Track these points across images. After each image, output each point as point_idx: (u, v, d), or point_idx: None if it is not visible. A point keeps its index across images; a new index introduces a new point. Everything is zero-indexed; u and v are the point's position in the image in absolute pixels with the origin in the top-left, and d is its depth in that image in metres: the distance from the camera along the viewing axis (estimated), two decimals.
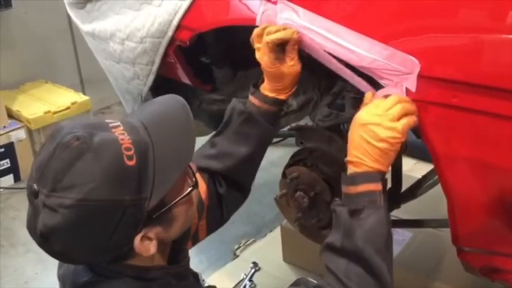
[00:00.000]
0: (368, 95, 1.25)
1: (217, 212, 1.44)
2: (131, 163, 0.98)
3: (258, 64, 1.77)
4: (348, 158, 1.19)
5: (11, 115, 3.70)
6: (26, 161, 3.68)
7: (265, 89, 1.40)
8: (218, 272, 2.43)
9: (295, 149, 1.70)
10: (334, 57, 1.31)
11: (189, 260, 1.26)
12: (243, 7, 1.49)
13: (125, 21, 1.74)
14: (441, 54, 1.18)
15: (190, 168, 1.12)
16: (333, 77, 1.59)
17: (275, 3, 1.38)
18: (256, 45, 1.38)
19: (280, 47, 1.35)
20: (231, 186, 1.45)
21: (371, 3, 1.30)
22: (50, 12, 4.00)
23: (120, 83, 2.00)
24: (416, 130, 1.28)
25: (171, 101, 1.13)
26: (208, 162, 1.40)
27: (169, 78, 1.86)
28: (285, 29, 1.33)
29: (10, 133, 3.60)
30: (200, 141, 1.38)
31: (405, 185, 1.69)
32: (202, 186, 1.36)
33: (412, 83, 1.20)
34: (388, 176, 1.59)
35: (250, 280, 2.37)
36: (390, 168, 1.62)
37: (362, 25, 1.27)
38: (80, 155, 0.96)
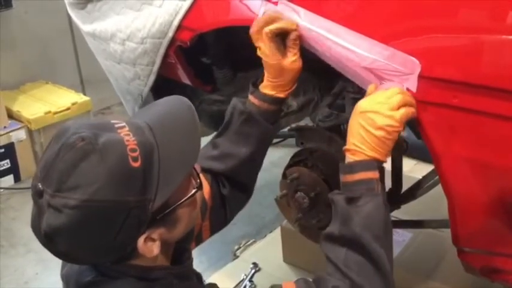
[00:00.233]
0: (371, 86, 1.26)
1: (221, 212, 1.44)
2: (136, 164, 0.98)
3: (258, 65, 1.78)
4: (346, 147, 1.20)
5: (11, 115, 3.70)
6: (26, 162, 3.69)
7: (265, 87, 1.40)
8: (218, 273, 2.43)
9: (296, 149, 1.70)
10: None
11: (192, 261, 1.26)
12: (244, 7, 1.49)
13: (125, 22, 1.74)
14: (442, 54, 1.18)
15: (195, 169, 1.12)
16: (333, 77, 1.60)
17: (276, 3, 1.38)
18: (256, 41, 1.37)
19: (280, 40, 1.36)
20: (234, 187, 1.44)
21: (371, 4, 1.30)
22: (50, 13, 4.00)
23: (121, 84, 2.00)
24: (416, 130, 1.28)
25: (176, 102, 1.13)
26: (210, 163, 1.40)
27: (169, 78, 1.86)
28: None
29: (10, 133, 3.60)
30: (202, 141, 1.37)
31: (405, 186, 1.69)
32: (206, 187, 1.36)
33: (412, 84, 1.20)
34: (388, 177, 1.61)
35: (250, 281, 2.37)
36: (390, 169, 1.63)
37: (363, 25, 1.27)
38: (85, 155, 0.96)
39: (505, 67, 1.12)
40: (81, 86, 4.42)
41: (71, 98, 3.89)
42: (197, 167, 1.14)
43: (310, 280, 1.13)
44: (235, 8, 1.52)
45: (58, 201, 0.95)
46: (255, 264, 2.44)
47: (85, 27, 1.96)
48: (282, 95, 1.40)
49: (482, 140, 1.18)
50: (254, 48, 1.73)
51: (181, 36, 1.63)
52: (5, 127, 3.60)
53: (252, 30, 1.36)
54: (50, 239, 0.99)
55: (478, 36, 1.15)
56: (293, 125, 1.82)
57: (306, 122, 1.90)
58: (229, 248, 2.67)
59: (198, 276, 1.29)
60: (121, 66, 1.86)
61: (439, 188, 1.32)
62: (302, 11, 1.34)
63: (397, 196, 1.66)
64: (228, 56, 1.78)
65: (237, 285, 2.36)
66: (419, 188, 1.67)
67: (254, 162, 1.46)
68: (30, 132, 3.68)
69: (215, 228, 1.45)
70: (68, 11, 2.05)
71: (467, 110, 1.16)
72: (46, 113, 3.68)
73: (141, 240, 1.02)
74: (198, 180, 1.12)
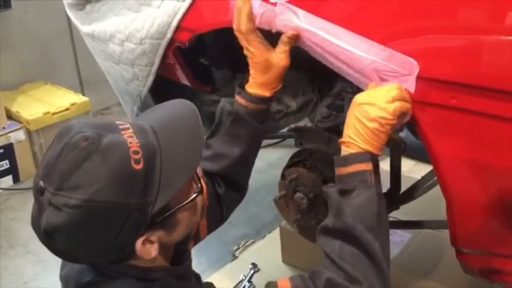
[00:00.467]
0: (372, 84, 1.26)
1: (217, 211, 1.45)
2: (138, 167, 0.98)
3: None
4: (342, 139, 1.21)
5: (10, 116, 3.70)
6: (25, 162, 3.69)
7: (250, 86, 1.39)
8: (217, 273, 2.43)
9: (295, 150, 1.70)
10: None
11: (191, 261, 1.27)
12: None
13: (124, 23, 1.74)
14: (440, 55, 1.18)
15: (196, 173, 1.12)
16: (332, 78, 1.60)
17: (274, 4, 1.38)
18: (241, 39, 1.37)
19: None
20: (228, 186, 1.45)
21: (370, 5, 1.30)
22: (49, 13, 4.00)
23: (120, 84, 2.00)
24: (415, 131, 1.28)
25: (182, 106, 1.14)
26: (204, 164, 1.40)
27: (168, 79, 1.86)
28: None
29: (9, 134, 3.60)
30: None
31: (404, 186, 1.69)
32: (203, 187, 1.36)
33: (411, 84, 1.20)
34: (387, 177, 1.61)
35: (249, 281, 2.37)
36: (389, 169, 1.63)
37: (361, 26, 1.27)
38: (87, 156, 0.96)
39: (504, 68, 1.12)
40: (80, 87, 4.42)
41: (70, 98, 3.90)
42: (199, 171, 1.14)
43: (306, 275, 1.13)
44: (234, 9, 1.52)
45: (59, 199, 0.95)
46: (254, 265, 2.44)
47: (84, 28, 1.96)
48: (267, 94, 1.39)
49: (481, 140, 1.18)
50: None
51: (180, 37, 1.63)
52: (3, 128, 3.60)
53: (236, 28, 1.37)
54: (49, 237, 0.99)
55: (477, 37, 1.15)
56: (292, 126, 1.82)
57: (305, 122, 1.90)
58: (228, 248, 2.67)
59: (197, 277, 1.29)
60: (120, 67, 1.86)
61: (438, 189, 1.32)
62: (301, 12, 1.34)
63: (395, 197, 1.66)
64: (226, 57, 1.78)
65: (236, 285, 2.36)
66: (418, 188, 1.67)
67: (246, 161, 1.47)
68: (29, 133, 3.68)
69: (212, 227, 1.45)
70: (67, 12, 2.05)
71: (466, 111, 1.16)
72: (45, 114, 3.69)
73: (139, 242, 1.02)
74: (199, 185, 1.12)
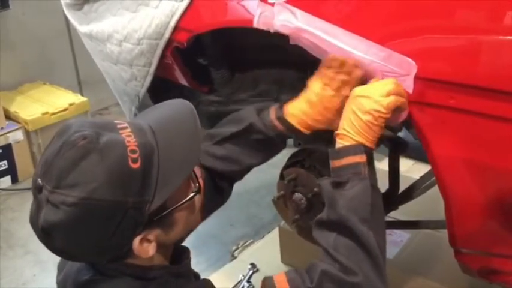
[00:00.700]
0: (373, 81, 1.26)
1: (212, 203, 1.43)
2: (136, 166, 0.99)
3: (255, 66, 1.78)
4: (337, 131, 1.21)
5: (8, 116, 3.70)
6: (24, 163, 3.68)
7: (294, 117, 1.33)
8: (216, 273, 2.43)
9: (293, 150, 1.69)
10: None
11: (190, 260, 1.27)
12: (241, 9, 1.48)
13: (122, 23, 1.74)
14: (438, 55, 1.18)
15: (195, 173, 1.12)
16: None
17: (272, 4, 1.38)
18: (330, 75, 1.29)
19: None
20: (229, 183, 1.46)
21: (368, 5, 1.30)
22: (47, 14, 4.00)
23: (118, 85, 2.00)
24: (413, 131, 1.28)
25: (180, 105, 1.14)
26: (214, 162, 1.39)
27: (166, 79, 1.86)
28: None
29: (8, 134, 3.60)
30: None
31: (403, 186, 1.68)
32: (200, 183, 1.35)
33: (409, 85, 1.20)
34: (386, 177, 1.61)
35: (248, 281, 2.37)
36: (388, 169, 1.63)
37: (359, 26, 1.27)
38: (85, 154, 0.97)
39: (502, 68, 1.12)
40: (79, 87, 4.42)
41: (68, 98, 3.89)
42: (197, 170, 1.14)
43: (301, 269, 1.13)
44: (232, 9, 1.52)
45: (56, 197, 0.96)
46: (253, 265, 2.44)
47: (82, 28, 1.96)
48: (308, 131, 1.34)
49: (479, 141, 1.18)
50: (251, 49, 1.74)
51: (178, 37, 1.63)
52: (2, 128, 3.60)
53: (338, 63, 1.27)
54: (47, 234, 1.00)
55: (475, 37, 1.15)
56: None
57: None
58: (227, 248, 2.67)
59: (196, 276, 1.29)
60: (118, 67, 1.86)
61: (436, 189, 1.32)
62: (298, 12, 1.33)
63: (394, 196, 1.65)
64: (225, 57, 1.78)
65: (235, 285, 2.36)
66: (416, 188, 1.67)
67: (250, 171, 1.47)
68: (27, 133, 3.68)
69: (206, 217, 1.43)
70: (65, 12, 2.04)
71: (464, 111, 1.16)
72: (43, 114, 3.68)
73: (136, 241, 1.03)
74: (197, 184, 1.12)
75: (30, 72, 4.13)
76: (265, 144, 1.38)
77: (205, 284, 1.17)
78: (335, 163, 1.19)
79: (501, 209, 1.23)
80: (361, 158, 1.16)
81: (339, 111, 1.27)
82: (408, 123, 1.33)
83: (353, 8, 1.34)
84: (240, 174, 1.46)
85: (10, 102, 3.81)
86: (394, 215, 1.72)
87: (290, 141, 1.68)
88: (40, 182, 0.99)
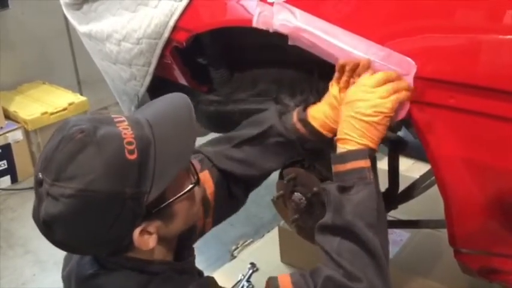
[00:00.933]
0: (364, 75, 1.25)
1: (224, 209, 1.44)
2: (132, 157, 1.00)
3: (254, 65, 1.78)
4: (337, 136, 1.20)
5: (8, 116, 3.70)
6: (23, 162, 3.68)
7: (316, 120, 1.33)
8: (216, 273, 2.43)
9: None
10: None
11: (194, 258, 1.28)
12: (240, 8, 1.48)
13: (121, 22, 1.74)
14: (438, 55, 1.18)
15: (194, 167, 1.14)
16: (330, 77, 1.60)
17: (271, 4, 1.38)
18: (344, 79, 1.28)
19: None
20: (244, 190, 1.45)
21: (368, 4, 1.30)
22: (47, 13, 3.99)
23: (117, 84, 2.00)
24: (413, 130, 1.28)
25: (176, 98, 1.15)
26: (232, 165, 1.38)
27: (166, 79, 1.86)
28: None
29: (7, 134, 3.60)
30: (199, 140, 1.36)
31: (402, 185, 1.68)
32: (210, 187, 1.36)
33: (409, 84, 1.20)
34: (386, 176, 1.61)
35: (248, 281, 2.37)
36: (387, 168, 1.63)
37: (359, 26, 1.27)
38: (82, 147, 0.99)
39: (502, 67, 1.12)
40: (78, 87, 4.41)
41: (68, 98, 3.90)
42: (197, 165, 1.16)
43: (305, 273, 1.13)
44: (231, 9, 1.52)
45: (56, 190, 0.98)
46: (252, 265, 2.44)
47: (81, 28, 1.96)
48: (330, 135, 1.33)
49: (479, 140, 1.18)
50: (250, 49, 1.74)
51: (177, 36, 1.63)
52: (1, 128, 3.60)
53: (351, 66, 1.25)
54: (47, 227, 1.02)
55: (475, 36, 1.15)
56: None
57: None
58: (227, 248, 2.67)
59: (200, 274, 1.31)
60: (117, 66, 1.86)
61: (436, 188, 1.32)
62: (298, 11, 1.33)
63: (394, 196, 1.65)
64: (224, 57, 1.78)
65: (234, 285, 2.36)
66: (416, 187, 1.67)
67: (269, 175, 1.46)
68: (26, 133, 3.68)
69: (217, 223, 1.45)
70: (64, 12, 2.04)
71: (464, 111, 1.16)
72: (43, 114, 3.68)
73: (136, 233, 1.04)
74: (196, 177, 1.13)
75: (30, 72, 4.13)
76: (285, 147, 1.37)
77: (209, 281, 1.17)
78: (339, 168, 1.18)
79: (501, 208, 1.23)
80: (366, 163, 1.16)
81: None
82: (408, 123, 1.33)
83: (352, 7, 1.33)
84: (256, 181, 1.45)
85: (9, 102, 3.81)
86: (394, 214, 1.72)
87: None
88: (40, 176, 1.01)
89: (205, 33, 1.62)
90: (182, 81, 1.83)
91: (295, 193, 1.65)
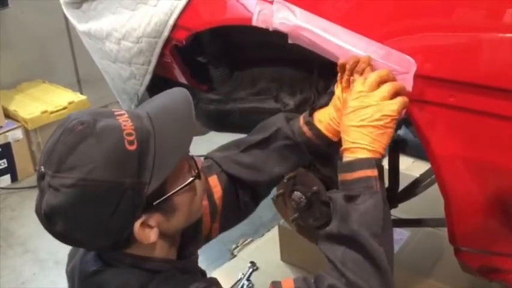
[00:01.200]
0: (360, 79, 1.24)
1: (234, 216, 1.43)
2: (132, 148, 1.01)
3: (254, 64, 1.78)
4: (344, 146, 1.19)
5: (7, 115, 3.70)
6: (23, 161, 3.68)
7: (322, 123, 1.33)
8: (216, 272, 2.43)
9: None
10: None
11: (197, 258, 1.29)
12: (240, 6, 1.48)
13: (121, 21, 1.73)
14: (438, 53, 1.18)
15: (195, 161, 1.14)
16: (329, 76, 1.60)
17: (271, 2, 1.38)
18: (345, 77, 1.27)
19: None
20: (251, 196, 1.43)
21: (367, 3, 1.29)
22: (46, 12, 3.99)
23: (117, 83, 2.00)
24: (413, 129, 1.28)
25: (176, 93, 1.16)
26: (240, 170, 1.37)
27: (165, 78, 1.86)
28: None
29: (7, 133, 3.60)
30: (199, 140, 1.36)
31: (403, 184, 1.68)
32: (218, 192, 1.36)
33: (408, 83, 1.20)
34: (386, 175, 1.60)
35: (248, 280, 2.38)
36: (387, 167, 1.63)
37: (358, 24, 1.27)
38: (83, 138, 1.00)
39: (502, 66, 1.11)
40: (78, 85, 4.41)
41: (67, 97, 3.90)
42: (199, 161, 1.15)
43: (309, 278, 1.12)
44: (231, 7, 1.52)
45: (57, 181, 0.99)
46: (252, 263, 2.44)
47: (80, 27, 1.96)
48: (335, 139, 1.33)
49: (479, 139, 1.18)
50: (250, 47, 1.74)
51: (177, 35, 1.63)
52: (1, 127, 3.60)
53: (351, 64, 1.25)
54: (48, 219, 1.02)
55: (475, 35, 1.15)
56: None
57: None
58: (226, 247, 2.67)
59: (203, 274, 1.31)
60: (117, 65, 1.86)
61: (436, 187, 1.32)
62: (297, 10, 1.33)
63: (394, 194, 1.65)
64: (224, 55, 1.78)
65: (234, 284, 2.37)
66: (416, 186, 1.67)
67: (279, 180, 1.46)
68: (26, 132, 3.68)
69: (224, 230, 1.45)
70: (64, 11, 2.04)
71: (464, 109, 1.16)
72: (43, 113, 3.68)
73: (137, 225, 1.04)
74: (197, 171, 1.13)
75: (30, 71, 4.13)
76: (292, 150, 1.37)
77: (211, 281, 1.17)
78: (346, 176, 1.17)
79: (501, 207, 1.23)
80: (373, 172, 1.15)
81: None
82: (408, 121, 1.33)
83: (352, 5, 1.33)
84: (264, 187, 1.44)
85: (9, 101, 3.81)
86: (394, 213, 1.72)
87: None
88: (42, 169, 1.02)
89: (205, 32, 1.61)
90: (182, 80, 1.82)
91: (295, 192, 1.65)
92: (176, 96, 1.15)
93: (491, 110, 1.12)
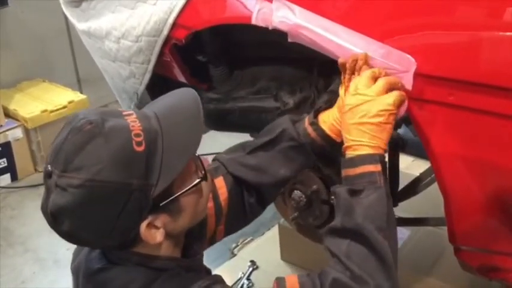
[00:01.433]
0: (353, 77, 1.24)
1: (239, 219, 1.43)
2: (140, 149, 1.01)
3: (254, 63, 1.78)
4: (345, 145, 1.19)
5: (7, 114, 3.70)
6: (23, 160, 3.68)
7: (325, 123, 1.33)
8: (216, 271, 2.40)
9: None
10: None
11: (202, 256, 1.30)
12: (239, 5, 1.48)
13: (120, 20, 1.73)
14: (437, 52, 1.18)
15: (202, 162, 1.14)
16: (329, 74, 1.60)
17: (271, 1, 1.37)
18: (346, 76, 1.27)
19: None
20: (257, 199, 1.43)
21: (367, 2, 1.29)
22: (47, 11, 3.98)
23: (116, 82, 2.00)
24: (412, 128, 1.28)
25: (183, 93, 1.16)
26: (245, 172, 1.37)
27: (165, 77, 1.86)
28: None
29: (7, 132, 3.60)
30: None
31: (403, 183, 1.68)
32: (223, 193, 1.36)
33: (408, 81, 1.19)
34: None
35: (248, 279, 2.38)
36: (387, 165, 1.63)
37: (358, 23, 1.27)
38: (91, 138, 1.00)
39: (501, 64, 1.11)
40: (78, 84, 4.41)
41: (67, 96, 3.89)
42: (205, 162, 1.16)
43: (313, 273, 1.12)
44: (231, 6, 1.52)
45: (64, 180, 0.99)
46: (252, 262, 2.44)
47: (80, 26, 1.95)
48: (339, 139, 1.31)
49: (479, 138, 1.18)
50: (250, 46, 1.74)
51: (176, 34, 1.63)
52: (1, 126, 3.59)
53: (350, 63, 1.25)
54: (55, 218, 1.02)
55: (475, 34, 1.15)
56: None
57: None
58: (226, 246, 2.67)
59: (208, 272, 1.31)
60: (116, 64, 1.85)
61: (436, 186, 1.32)
62: (297, 8, 1.33)
63: (394, 193, 1.65)
64: (223, 54, 1.77)
65: (234, 283, 2.37)
66: (416, 185, 1.67)
67: (285, 183, 1.45)
68: (26, 131, 3.67)
69: (229, 233, 1.45)
70: (63, 9, 2.04)
71: (463, 108, 1.16)
72: (43, 112, 3.67)
73: (143, 226, 1.04)
74: (203, 172, 1.13)
75: (29, 70, 4.12)
76: (297, 152, 1.36)
77: (216, 279, 1.17)
78: (349, 172, 1.17)
79: (500, 206, 1.23)
80: (376, 168, 1.15)
81: None
82: (407, 120, 1.33)
83: (352, 4, 1.33)
84: (270, 190, 1.43)
85: (9, 100, 3.81)
86: (394, 211, 1.72)
87: None
88: (49, 168, 1.02)
89: (205, 31, 1.61)
90: (181, 79, 1.82)
91: (295, 191, 1.65)
92: (184, 96, 1.15)
93: (490, 108, 1.12)
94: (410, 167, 2.62)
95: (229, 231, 1.43)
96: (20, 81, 4.09)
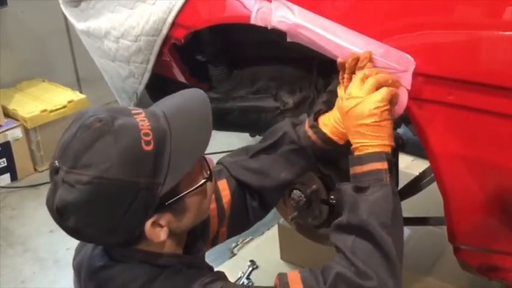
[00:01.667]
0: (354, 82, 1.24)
1: (241, 222, 1.44)
2: (148, 148, 1.02)
3: (253, 62, 1.78)
4: (352, 146, 1.21)
5: (7, 114, 3.69)
6: (23, 160, 3.68)
7: (327, 126, 1.33)
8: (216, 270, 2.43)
9: None
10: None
11: (204, 253, 1.29)
12: (238, 4, 1.48)
13: (119, 20, 1.73)
14: (437, 51, 1.18)
15: (207, 163, 1.15)
16: (329, 74, 1.59)
17: (270, 0, 1.37)
18: (346, 76, 1.27)
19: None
20: (259, 203, 1.43)
21: (366, 1, 1.29)
22: (46, 11, 3.98)
23: (116, 82, 2.00)
24: (412, 127, 1.28)
25: (193, 94, 1.17)
26: (247, 176, 1.38)
27: (165, 76, 1.85)
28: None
29: (6, 132, 3.59)
30: None
31: (402, 182, 1.68)
32: (226, 196, 1.36)
33: (407, 81, 1.19)
34: None
35: (247, 278, 2.38)
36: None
37: (357, 23, 1.27)
38: (100, 136, 1.01)
39: (500, 64, 1.11)
40: (78, 84, 4.40)
41: (67, 96, 3.89)
42: (210, 162, 1.16)
43: (315, 269, 1.13)
44: (230, 5, 1.52)
45: (72, 177, 1.00)
46: (252, 262, 2.44)
47: (79, 25, 1.95)
48: (342, 141, 1.32)
49: (478, 137, 1.18)
50: (249, 46, 1.73)
51: (176, 33, 1.63)
52: (0, 126, 3.59)
53: (350, 62, 1.24)
54: (61, 214, 1.03)
55: (474, 33, 1.15)
56: None
57: None
58: (226, 245, 2.66)
59: (211, 269, 1.30)
60: (115, 64, 1.85)
61: (436, 185, 1.32)
62: (296, 8, 1.33)
63: None
64: (223, 54, 1.77)
65: (234, 282, 2.36)
66: (416, 184, 1.67)
67: (286, 187, 1.46)
68: (26, 131, 3.67)
69: (231, 235, 1.45)
70: (62, 9, 2.04)
71: (463, 107, 1.16)
72: (42, 111, 3.67)
73: (148, 224, 1.05)
74: (209, 172, 1.14)
75: (29, 70, 4.12)
76: (298, 155, 1.36)
77: (218, 275, 1.17)
78: (357, 169, 1.18)
79: (500, 205, 1.23)
80: (383, 165, 1.16)
81: None
82: (407, 119, 1.33)
83: (351, 4, 1.33)
84: (272, 194, 1.43)
85: (9, 100, 3.80)
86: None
87: None
88: (57, 163, 1.02)
89: (204, 30, 1.61)
90: (181, 78, 1.82)
91: (294, 191, 1.65)
92: (193, 96, 1.16)
93: (490, 108, 1.12)
94: (410, 166, 2.62)
95: (231, 234, 1.44)
96: (20, 81, 4.08)
